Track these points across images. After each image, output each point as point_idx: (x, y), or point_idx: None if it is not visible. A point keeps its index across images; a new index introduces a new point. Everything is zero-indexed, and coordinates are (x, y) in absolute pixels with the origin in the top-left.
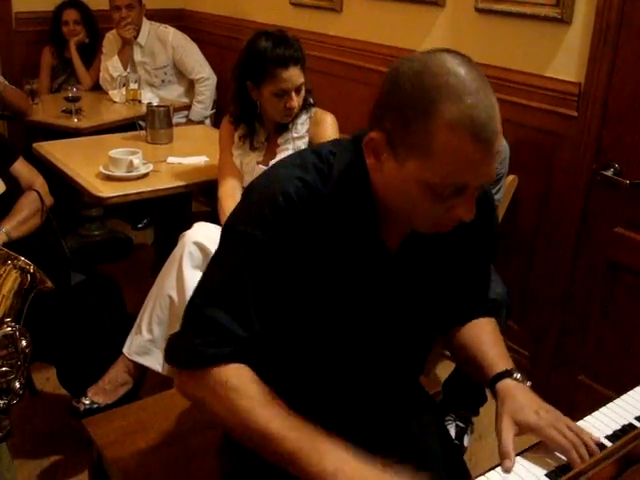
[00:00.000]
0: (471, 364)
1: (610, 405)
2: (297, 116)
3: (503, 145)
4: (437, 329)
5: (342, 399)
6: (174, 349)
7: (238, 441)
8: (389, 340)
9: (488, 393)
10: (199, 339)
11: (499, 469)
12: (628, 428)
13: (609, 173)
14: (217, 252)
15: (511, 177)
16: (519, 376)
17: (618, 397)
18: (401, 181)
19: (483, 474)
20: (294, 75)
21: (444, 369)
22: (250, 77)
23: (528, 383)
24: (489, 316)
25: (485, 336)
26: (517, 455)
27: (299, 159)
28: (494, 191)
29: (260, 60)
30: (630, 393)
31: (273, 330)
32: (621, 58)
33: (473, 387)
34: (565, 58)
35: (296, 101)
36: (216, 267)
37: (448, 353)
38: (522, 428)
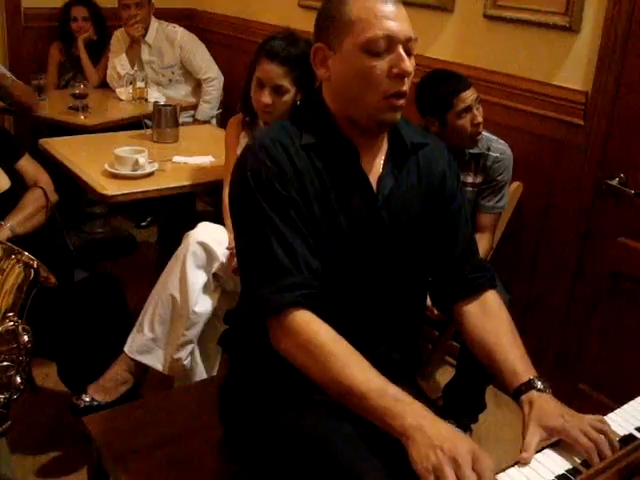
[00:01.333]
0: (490, 365)
1: (610, 415)
2: None
3: (505, 153)
4: (433, 289)
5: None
6: (251, 304)
7: (325, 390)
8: (383, 277)
9: (488, 401)
10: (263, 289)
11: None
12: (628, 438)
13: (614, 182)
14: (236, 212)
15: (516, 184)
16: (541, 386)
17: (618, 407)
18: (345, 63)
19: None
20: (273, 71)
21: (444, 375)
22: (250, 66)
23: (549, 390)
24: (490, 287)
25: (503, 336)
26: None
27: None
28: (497, 198)
29: (258, 47)
30: (631, 403)
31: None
32: (628, 67)
33: (473, 394)
34: (572, 66)
35: (269, 99)
36: (241, 226)
37: (449, 358)
38: (549, 432)
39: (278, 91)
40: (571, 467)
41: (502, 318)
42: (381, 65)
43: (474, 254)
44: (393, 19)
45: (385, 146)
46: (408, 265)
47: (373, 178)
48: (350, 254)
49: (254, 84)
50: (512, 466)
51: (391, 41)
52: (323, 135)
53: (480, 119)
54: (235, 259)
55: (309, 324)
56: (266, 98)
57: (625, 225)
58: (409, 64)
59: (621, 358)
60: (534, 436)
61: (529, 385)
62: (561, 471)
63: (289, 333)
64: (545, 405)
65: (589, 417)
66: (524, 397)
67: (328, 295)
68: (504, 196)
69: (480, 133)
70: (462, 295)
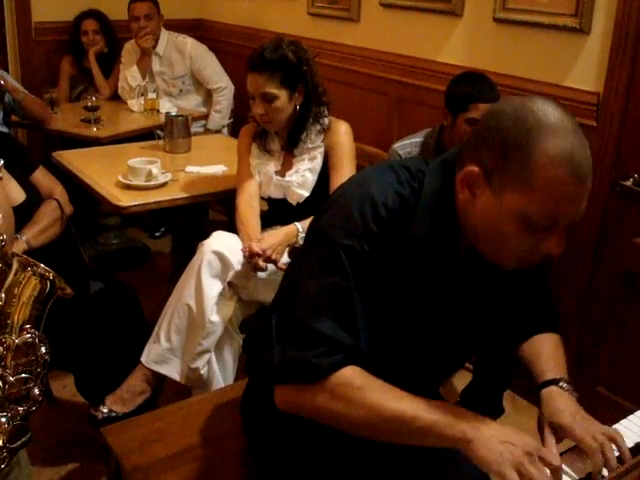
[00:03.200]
0: (526, 376)
1: (630, 417)
2: (308, 128)
3: None
4: (496, 341)
5: None
6: (287, 367)
7: (369, 437)
8: (450, 344)
9: (506, 405)
10: (310, 352)
11: None
12: None
13: (628, 183)
14: (311, 262)
15: None
16: (566, 386)
17: (638, 409)
18: (496, 213)
19: None
20: (256, 81)
21: (461, 380)
22: None
23: (575, 394)
24: (551, 332)
25: (544, 349)
26: None
27: (392, 171)
28: None
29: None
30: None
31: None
32: None
33: (490, 398)
34: (584, 68)
35: (261, 108)
36: (316, 278)
37: (466, 363)
38: (557, 431)
39: (266, 99)
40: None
41: (549, 337)
42: (531, 241)
43: (547, 305)
44: (576, 202)
45: None
46: (480, 337)
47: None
48: (423, 336)
49: (249, 98)
50: None
51: (557, 224)
52: (437, 232)
53: None
54: (255, 259)
55: (343, 374)
56: (258, 108)
57: None
58: (561, 248)
59: (638, 360)
60: (552, 437)
61: (552, 382)
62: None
63: (323, 391)
64: (561, 402)
65: (603, 427)
66: (544, 391)
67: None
68: None
69: None
70: (522, 340)
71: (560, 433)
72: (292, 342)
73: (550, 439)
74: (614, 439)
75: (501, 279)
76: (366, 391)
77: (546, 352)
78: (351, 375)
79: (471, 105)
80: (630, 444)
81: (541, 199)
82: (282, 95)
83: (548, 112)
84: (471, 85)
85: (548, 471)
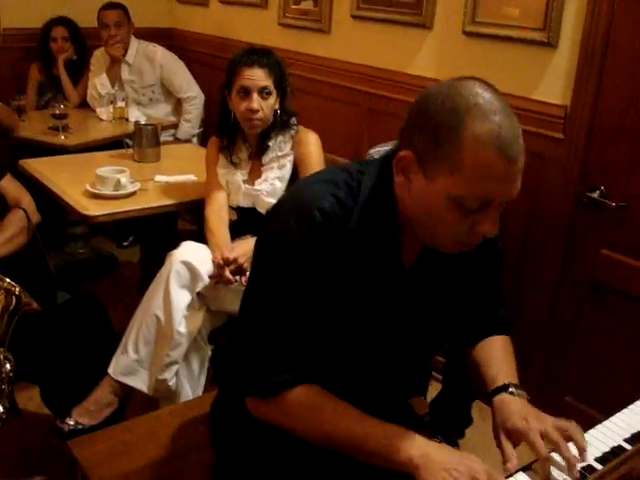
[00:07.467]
0: (477, 377)
1: (598, 427)
2: (277, 134)
3: None
4: (449, 342)
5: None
6: (245, 381)
7: (323, 446)
8: (399, 350)
9: (474, 414)
10: (263, 370)
11: None
12: (618, 450)
13: (595, 195)
14: (257, 275)
15: None
16: (514, 390)
17: (606, 419)
18: (430, 197)
19: None
20: (256, 74)
21: (431, 390)
22: (225, 84)
23: (525, 396)
24: (502, 334)
25: (493, 353)
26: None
27: (329, 175)
28: None
29: (231, 64)
30: (618, 415)
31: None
32: (607, 82)
33: (459, 409)
34: (551, 81)
35: (257, 103)
36: (261, 292)
37: (435, 374)
38: (511, 436)
39: (263, 93)
40: None
41: (499, 339)
42: (467, 221)
43: (497, 310)
44: (506, 182)
45: None
46: (425, 337)
47: (407, 261)
48: (372, 335)
49: (237, 97)
50: None
51: (489, 204)
52: (376, 224)
53: None
54: (224, 270)
55: (297, 393)
56: (254, 103)
57: (607, 237)
58: (496, 228)
59: (605, 370)
60: (509, 444)
61: (503, 388)
62: None
63: (278, 408)
64: (512, 407)
65: (556, 420)
66: (496, 398)
67: (339, 368)
68: None
69: None
70: (475, 342)
71: (515, 437)
72: (248, 357)
73: (508, 446)
74: (570, 434)
75: (450, 281)
76: (319, 411)
77: (496, 357)
78: (305, 394)
79: None
80: (598, 454)
81: (470, 181)
82: (274, 94)
83: (477, 93)
84: None
85: None
